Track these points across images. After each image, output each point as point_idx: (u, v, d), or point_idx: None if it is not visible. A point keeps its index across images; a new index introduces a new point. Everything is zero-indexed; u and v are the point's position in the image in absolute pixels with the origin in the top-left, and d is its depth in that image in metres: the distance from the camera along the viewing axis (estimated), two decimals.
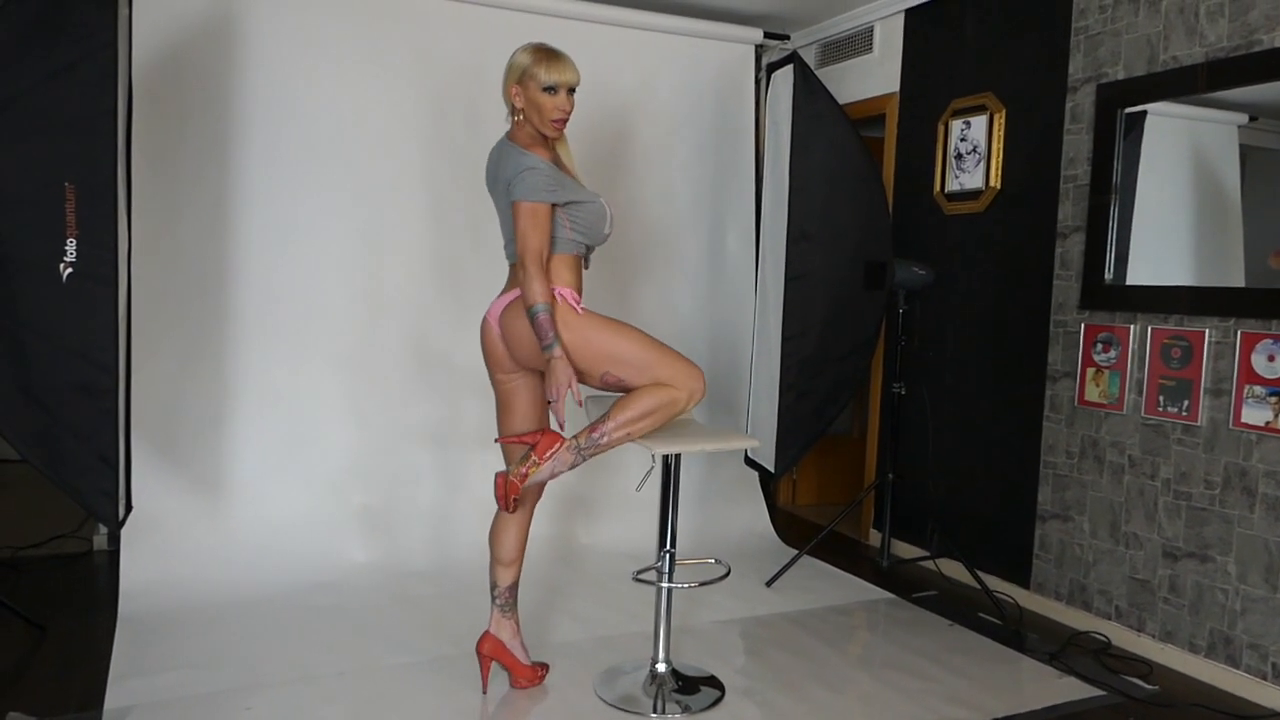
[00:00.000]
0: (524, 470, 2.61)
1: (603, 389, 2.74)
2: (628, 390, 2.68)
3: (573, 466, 2.66)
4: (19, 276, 2.82)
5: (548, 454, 2.63)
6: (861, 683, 3.07)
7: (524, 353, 2.68)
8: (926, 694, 2.99)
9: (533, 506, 2.90)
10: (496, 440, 2.84)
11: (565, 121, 2.67)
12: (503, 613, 2.88)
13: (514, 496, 2.62)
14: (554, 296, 2.60)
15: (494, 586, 2.88)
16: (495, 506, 4.10)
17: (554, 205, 2.61)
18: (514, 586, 2.89)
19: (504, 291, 2.76)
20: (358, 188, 4.07)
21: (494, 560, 2.87)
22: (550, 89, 2.61)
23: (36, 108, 2.81)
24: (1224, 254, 3.20)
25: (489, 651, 2.86)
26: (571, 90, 2.65)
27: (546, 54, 2.63)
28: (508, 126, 2.72)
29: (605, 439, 2.62)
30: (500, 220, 2.76)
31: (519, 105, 2.65)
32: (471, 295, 4.22)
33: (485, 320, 2.77)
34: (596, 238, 2.75)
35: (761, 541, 4.64)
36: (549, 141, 2.72)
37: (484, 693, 2.86)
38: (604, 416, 2.64)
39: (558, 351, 2.54)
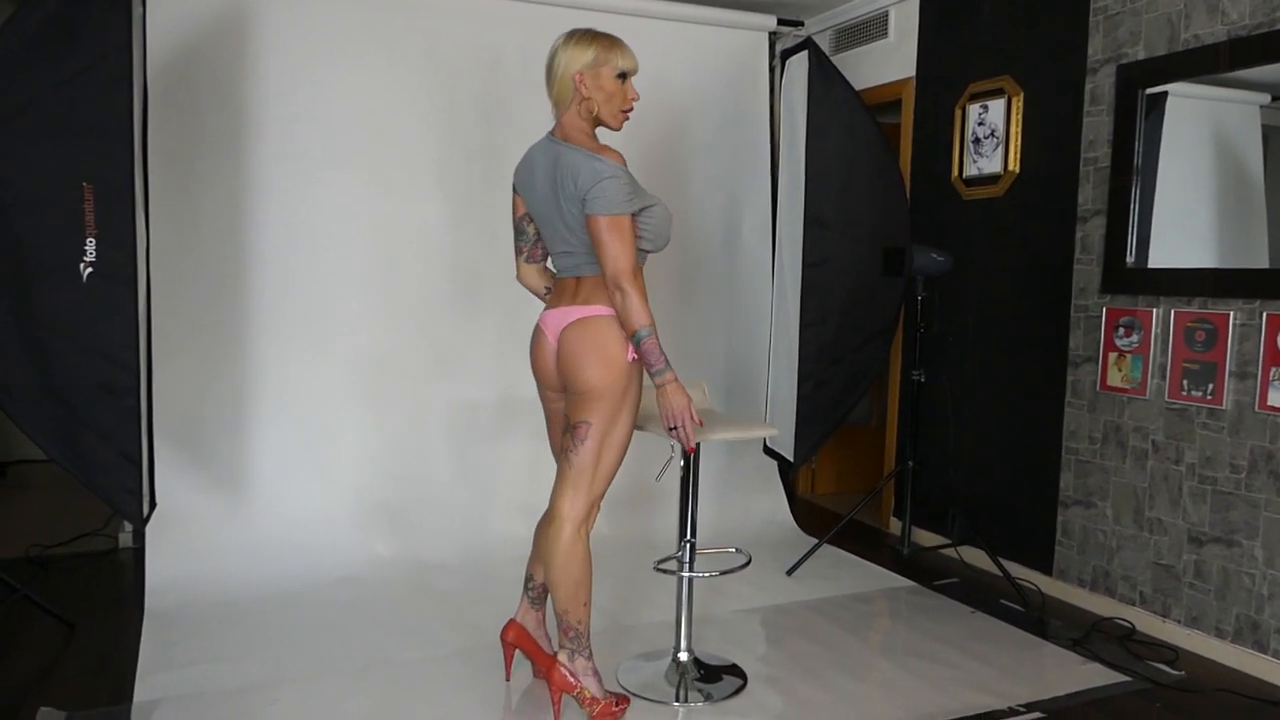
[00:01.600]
0: (586, 701, 2.59)
1: (564, 428, 2.57)
2: (569, 448, 2.51)
3: (589, 654, 2.61)
4: (40, 277, 2.84)
5: (571, 682, 2.58)
6: (884, 670, 3.06)
7: (570, 368, 2.51)
8: (949, 681, 2.98)
9: None
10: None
11: (631, 112, 2.55)
12: (532, 604, 2.87)
13: (607, 709, 2.62)
14: (650, 320, 2.44)
15: (529, 579, 2.86)
16: (516, 500, 4.12)
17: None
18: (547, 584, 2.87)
19: (560, 304, 2.58)
20: (373, 184, 4.07)
21: (536, 554, 2.79)
22: (623, 75, 2.50)
23: (53, 110, 2.82)
24: (1248, 235, 3.16)
25: (513, 639, 2.85)
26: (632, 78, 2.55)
27: (611, 39, 2.49)
28: (552, 123, 2.57)
29: (575, 621, 2.55)
30: (551, 227, 2.56)
31: (586, 95, 2.48)
32: (488, 290, 4.23)
33: (540, 334, 2.61)
34: (661, 243, 2.59)
35: (781, 530, 4.63)
36: (595, 135, 2.56)
37: (507, 680, 2.87)
38: (560, 616, 2.56)
39: (670, 376, 2.45)
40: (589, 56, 2.46)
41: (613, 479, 2.60)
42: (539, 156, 2.57)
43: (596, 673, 2.64)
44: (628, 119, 2.57)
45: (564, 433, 2.57)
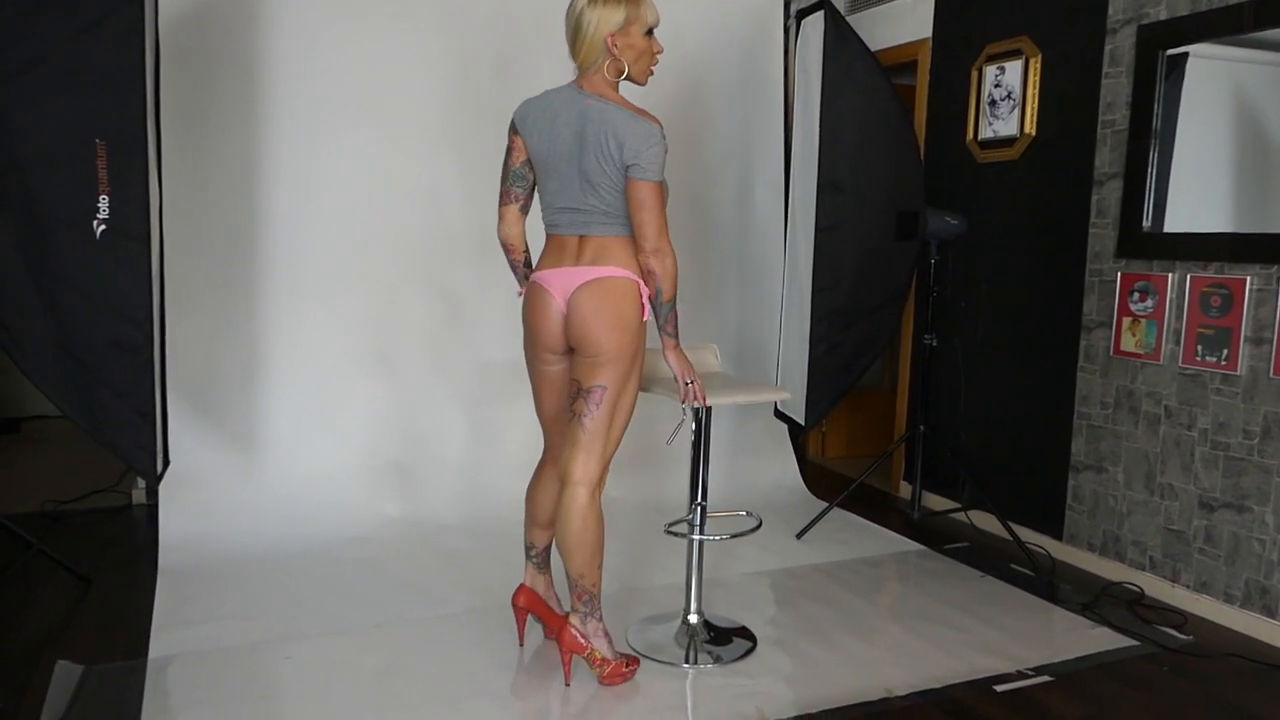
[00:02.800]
0: (596, 662, 2.62)
1: (571, 398, 2.55)
2: (582, 411, 2.51)
3: (600, 616, 2.63)
4: (54, 234, 2.84)
5: (581, 643, 2.60)
6: (893, 633, 3.08)
7: (585, 332, 2.47)
8: (959, 644, 3.00)
9: None
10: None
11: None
12: (537, 569, 2.88)
13: (617, 671, 2.65)
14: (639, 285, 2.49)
15: (530, 547, 2.86)
16: (525, 461, 4.13)
17: None
18: (549, 547, 2.88)
19: (562, 264, 2.52)
20: (385, 143, 4.05)
21: (531, 521, 2.83)
22: (650, 31, 2.48)
23: (64, 65, 2.81)
24: (1266, 200, 3.12)
25: (525, 604, 2.86)
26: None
27: None
28: (573, 77, 2.53)
29: (589, 583, 2.57)
30: (562, 180, 2.50)
31: (616, 53, 2.43)
32: (499, 251, 4.22)
33: (544, 294, 2.54)
34: None
35: (791, 494, 4.65)
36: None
37: (520, 645, 2.89)
38: (573, 580, 2.57)
39: (678, 339, 2.56)
40: (619, 16, 2.42)
41: (621, 440, 2.62)
42: (561, 106, 2.48)
43: (607, 634, 2.66)
44: (651, 74, 2.56)
45: (574, 397, 2.54)
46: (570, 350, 2.58)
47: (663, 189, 2.45)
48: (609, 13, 2.41)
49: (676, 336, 2.55)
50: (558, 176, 2.51)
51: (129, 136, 2.86)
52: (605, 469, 2.58)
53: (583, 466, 2.53)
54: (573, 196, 2.50)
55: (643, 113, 2.44)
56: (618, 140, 2.39)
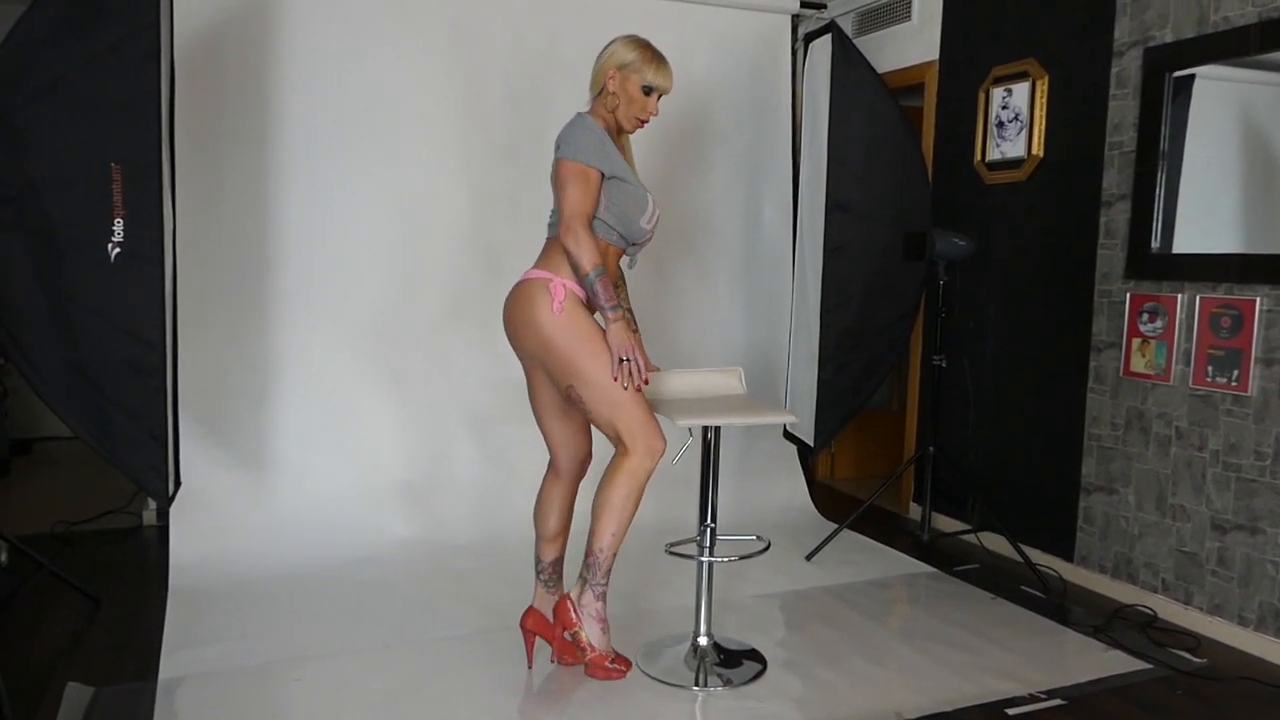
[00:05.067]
0: (581, 644, 2.66)
1: (565, 398, 2.67)
2: (587, 416, 2.62)
3: (603, 597, 2.68)
4: (69, 255, 2.87)
5: (572, 617, 2.66)
6: (904, 655, 3.06)
7: (511, 335, 2.65)
8: (970, 667, 2.98)
9: (576, 483, 2.89)
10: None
11: (646, 123, 2.70)
12: (547, 588, 2.88)
13: (599, 661, 2.70)
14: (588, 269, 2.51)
15: (538, 562, 2.89)
16: (537, 481, 4.13)
17: (602, 177, 2.57)
18: (558, 562, 2.89)
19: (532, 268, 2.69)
20: (396, 165, 4.08)
21: (538, 536, 2.88)
22: (649, 90, 2.64)
23: (81, 89, 2.84)
24: (1275, 220, 3.12)
25: (533, 626, 2.86)
26: (661, 96, 2.68)
27: (654, 55, 2.64)
28: (585, 105, 2.72)
29: (604, 555, 2.63)
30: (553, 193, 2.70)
31: (611, 90, 2.63)
32: (509, 271, 4.23)
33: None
34: (632, 230, 2.66)
35: (800, 515, 4.63)
36: (620, 134, 2.72)
37: (529, 667, 2.88)
38: (588, 540, 2.63)
39: (620, 314, 2.54)
40: (628, 58, 2.62)
41: (641, 402, 2.59)
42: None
43: (603, 622, 2.69)
44: (641, 126, 2.69)
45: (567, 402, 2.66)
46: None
47: (580, 173, 2.52)
48: (624, 52, 2.64)
49: (614, 310, 2.53)
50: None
51: (144, 160, 2.89)
52: (645, 433, 2.58)
53: (621, 440, 2.59)
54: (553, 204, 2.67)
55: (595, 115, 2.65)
56: (558, 137, 2.60)
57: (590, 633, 2.67)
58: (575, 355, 2.56)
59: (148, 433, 3.00)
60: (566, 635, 2.71)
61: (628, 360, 2.54)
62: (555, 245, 2.62)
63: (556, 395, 2.75)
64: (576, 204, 2.52)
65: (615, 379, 2.56)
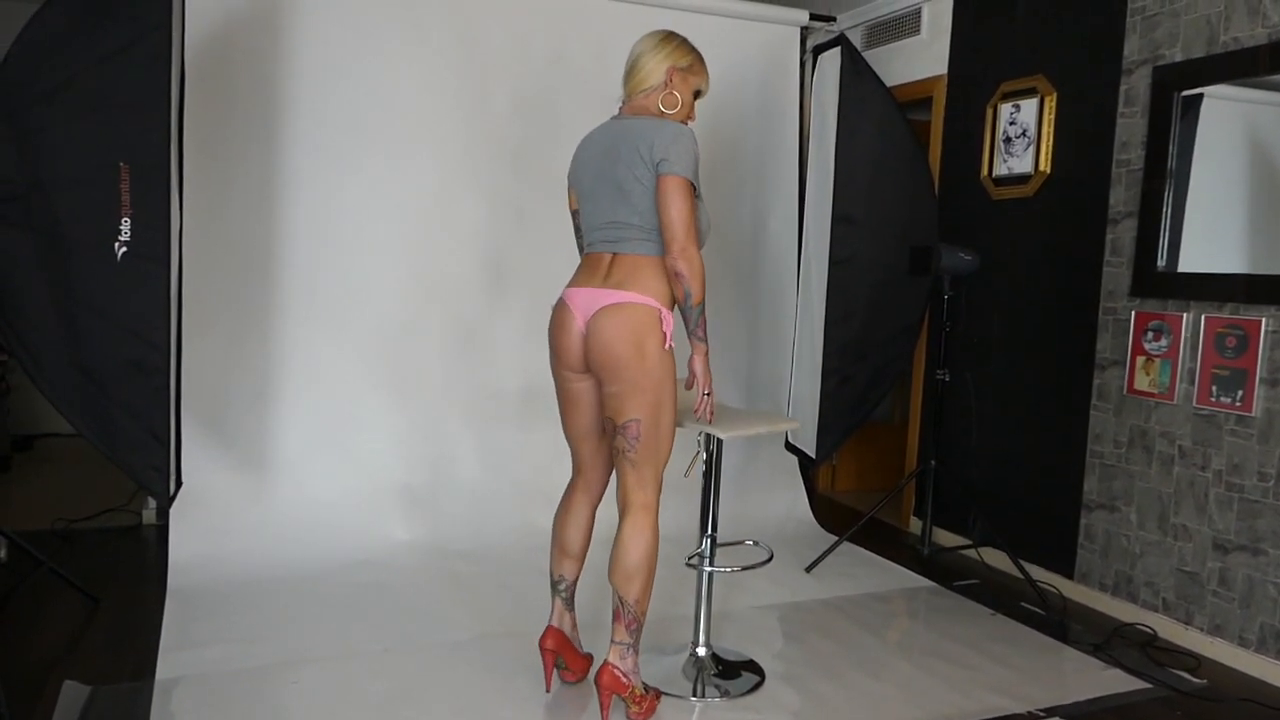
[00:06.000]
0: (636, 699, 2.55)
1: (610, 430, 2.52)
2: (623, 449, 2.48)
3: (638, 653, 2.57)
4: (76, 254, 2.88)
5: (624, 682, 2.52)
6: (902, 670, 3.05)
7: (607, 360, 2.43)
8: (968, 682, 2.97)
9: (603, 493, 2.77)
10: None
11: None
12: (565, 606, 2.74)
13: (652, 706, 2.60)
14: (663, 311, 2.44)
15: (559, 580, 2.73)
16: (537, 486, 4.12)
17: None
18: (578, 579, 2.77)
19: (589, 284, 2.50)
20: (402, 169, 4.09)
21: (560, 551, 2.72)
22: (698, 95, 2.63)
23: (92, 88, 2.85)
24: None
25: (554, 646, 2.72)
26: None
27: (703, 60, 2.62)
28: (617, 107, 2.63)
29: (643, 614, 2.52)
30: (597, 200, 2.53)
31: (671, 84, 2.54)
32: (514, 275, 4.24)
33: (567, 312, 2.52)
34: (701, 241, 2.54)
35: (800, 527, 4.63)
36: None
37: (547, 690, 2.75)
38: (618, 604, 2.50)
39: (705, 345, 2.48)
40: (686, 61, 2.57)
41: (669, 455, 2.56)
42: (598, 134, 2.58)
43: (638, 668, 2.60)
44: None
45: (612, 434, 2.51)
46: (589, 370, 2.55)
47: (692, 190, 2.43)
48: (680, 54, 2.57)
49: (706, 342, 2.49)
50: (593, 197, 2.55)
51: (152, 160, 2.90)
52: (659, 489, 2.54)
53: (641, 493, 2.51)
54: (606, 211, 2.51)
55: (677, 120, 2.55)
56: (647, 142, 2.43)
57: (638, 685, 2.57)
58: (661, 397, 2.45)
59: (150, 432, 3.00)
60: (620, 697, 2.57)
61: (708, 394, 2.52)
62: (646, 265, 2.47)
63: (593, 423, 2.64)
64: (692, 225, 2.40)
65: (696, 413, 2.53)
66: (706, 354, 2.50)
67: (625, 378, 2.43)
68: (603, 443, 2.68)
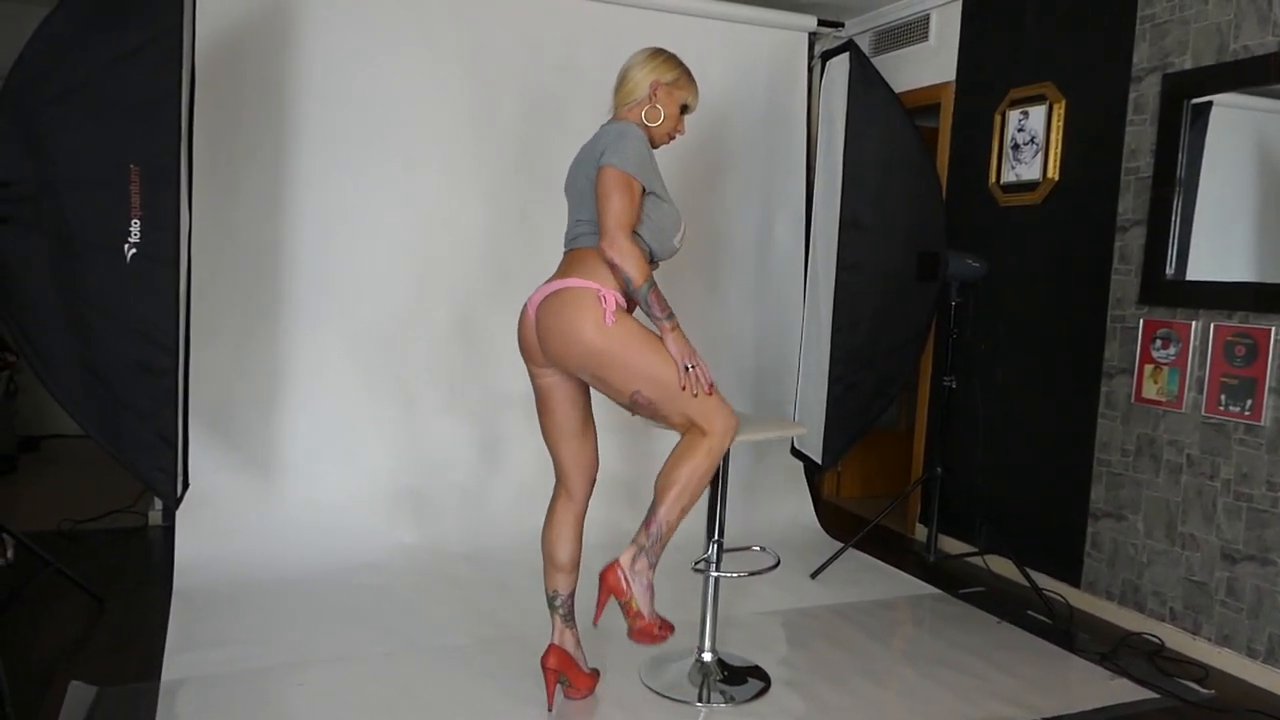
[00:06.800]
0: (631, 612, 2.50)
1: (629, 409, 2.56)
2: (656, 415, 2.53)
3: (654, 565, 2.52)
4: (86, 256, 2.88)
5: (624, 586, 2.48)
6: (907, 677, 3.04)
7: (554, 348, 2.49)
8: (974, 691, 2.96)
9: (587, 502, 2.76)
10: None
11: (673, 140, 2.73)
12: (565, 622, 2.71)
13: (649, 629, 2.52)
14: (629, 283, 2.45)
15: (555, 596, 2.70)
16: (541, 491, 4.11)
17: (644, 191, 2.50)
18: (574, 595, 2.74)
19: (550, 279, 2.57)
20: (410, 173, 4.10)
21: (552, 567, 2.70)
22: (685, 109, 2.69)
23: (104, 91, 2.86)
24: None
25: (556, 665, 2.68)
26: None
27: (690, 75, 2.69)
28: (609, 115, 2.68)
29: (667, 527, 2.49)
30: (571, 200, 2.62)
31: (655, 98, 2.61)
32: (520, 280, 4.23)
33: (524, 308, 2.62)
34: (663, 247, 2.60)
35: (806, 533, 4.62)
36: (653, 147, 2.66)
37: (550, 709, 2.71)
38: (651, 507, 2.51)
39: (675, 322, 2.47)
40: (671, 76, 2.64)
41: (709, 385, 2.51)
42: (587, 141, 2.64)
43: (652, 588, 2.52)
44: (669, 143, 2.71)
45: (643, 416, 2.56)
46: (552, 364, 2.59)
47: (630, 184, 2.45)
48: (665, 69, 2.64)
49: (669, 319, 2.47)
50: (569, 203, 2.65)
51: (163, 162, 2.90)
52: (727, 414, 2.52)
53: (697, 422, 2.51)
54: (572, 213, 2.62)
55: (637, 123, 2.60)
56: (601, 144, 2.52)
57: (640, 601, 2.50)
58: (637, 358, 2.45)
59: (158, 434, 3.00)
60: (618, 603, 2.53)
61: (692, 367, 2.48)
62: (591, 255, 2.52)
63: (575, 413, 2.66)
64: (622, 215, 2.44)
65: (683, 388, 2.48)
66: (675, 330, 2.48)
67: (580, 363, 2.47)
68: (583, 446, 2.70)
